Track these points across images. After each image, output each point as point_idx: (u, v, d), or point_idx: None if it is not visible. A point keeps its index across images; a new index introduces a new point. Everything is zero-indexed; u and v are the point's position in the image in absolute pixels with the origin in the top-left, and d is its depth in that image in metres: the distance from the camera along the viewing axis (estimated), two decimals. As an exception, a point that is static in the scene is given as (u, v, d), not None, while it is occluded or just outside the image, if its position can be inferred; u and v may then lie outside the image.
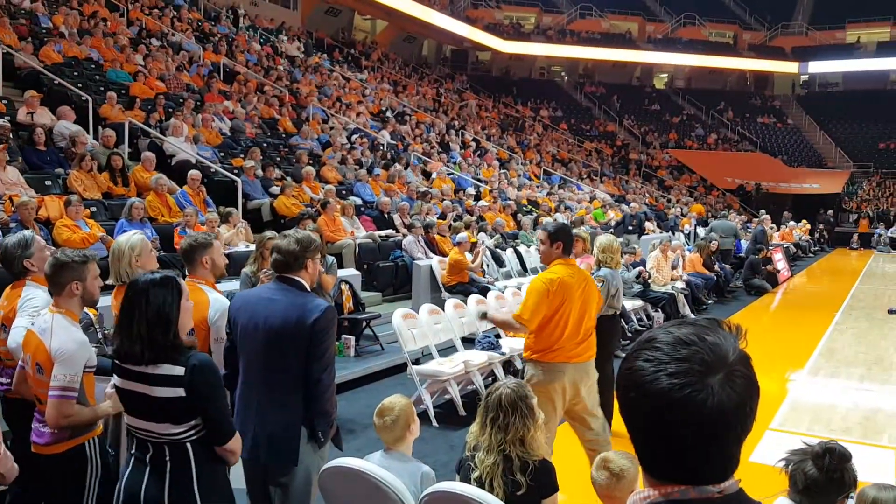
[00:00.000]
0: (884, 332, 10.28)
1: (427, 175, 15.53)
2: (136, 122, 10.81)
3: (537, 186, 19.23)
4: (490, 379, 6.64)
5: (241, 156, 11.54)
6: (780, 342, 9.67)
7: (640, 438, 1.14)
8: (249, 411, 3.18)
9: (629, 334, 9.16)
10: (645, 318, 10.33)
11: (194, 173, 9.41)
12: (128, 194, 8.84)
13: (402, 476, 2.88)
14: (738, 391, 1.09)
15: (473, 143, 21.12)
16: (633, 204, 18.44)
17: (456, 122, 23.42)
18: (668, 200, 25.13)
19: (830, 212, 27.89)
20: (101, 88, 11.62)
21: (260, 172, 11.00)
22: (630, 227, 15.24)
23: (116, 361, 2.62)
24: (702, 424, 1.07)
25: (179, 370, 2.50)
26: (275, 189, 10.61)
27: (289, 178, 11.10)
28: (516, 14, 38.82)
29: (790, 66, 37.84)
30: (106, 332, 5.07)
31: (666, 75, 41.22)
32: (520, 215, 14.48)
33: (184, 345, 2.59)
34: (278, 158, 12.58)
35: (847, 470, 2.49)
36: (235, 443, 2.67)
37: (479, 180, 16.69)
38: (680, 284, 11.33)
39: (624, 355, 1.18)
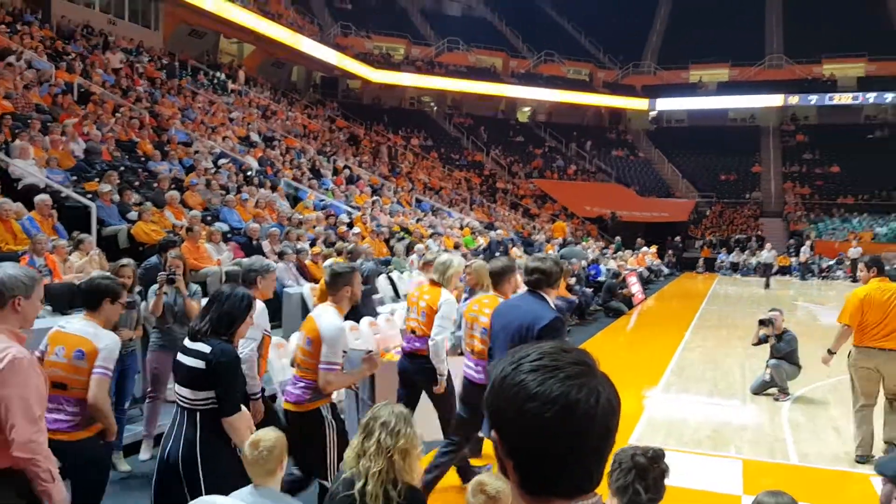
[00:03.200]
0: (728, 351, 11.09)
1: (296, 201, 15.30)
2: (-24, 143, 9.98)
3: (409, 213, 19.40)
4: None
5: (97, 180, 10.87)
6: (635, 360, 10.25)
7: (521, 452, 1.12)
8: None
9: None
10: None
11: (43, 198, 8.77)
12: (-34, 220, 8.10)
13: (275, 511, 2.80)
14: (614, 397, 1.12)
15: (346, 170, 21.05)
16: (499, 231, 18.97)
17: (327, 149, 23.26)
18: (534, 227, 26.08)
19: (678, 238, 29.95)
20: (-63, 105, 10.65)
21: (117, 197, 10.41)
22: (497, 253, 15.66)
23: (186, 340, 3.47)
24: (588, 429, 1.08)
25: (207, 348, 3.32)
26: (133, 215, 10.08)
27: (148, 203, 10.57)
28: (386, 44, 39.29)
29: (640, 103, 40.72)
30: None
31: (529, 109, 43.04)
32: (393, 241, 14.54)
33: (227, 340, 3.40)
34: (137, 183, 11.94)
35: (663, 470, 2.67)
36: (238, 420, 3.29)
37: (351, 207, 16.62)
38: None
39: (494, 377, 1.15)
